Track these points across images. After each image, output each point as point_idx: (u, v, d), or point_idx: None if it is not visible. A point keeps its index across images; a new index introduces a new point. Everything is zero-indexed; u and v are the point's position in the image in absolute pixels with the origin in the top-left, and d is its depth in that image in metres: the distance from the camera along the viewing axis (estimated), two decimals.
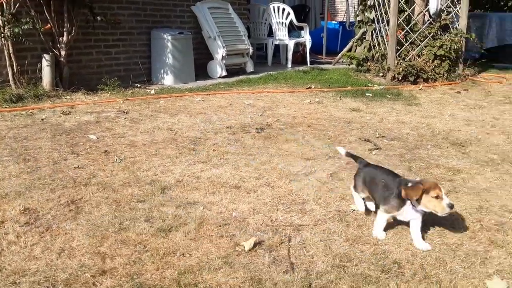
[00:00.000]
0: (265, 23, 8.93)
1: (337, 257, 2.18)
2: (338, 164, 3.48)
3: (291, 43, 8.53)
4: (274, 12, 8.64)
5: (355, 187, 2.62)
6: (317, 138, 4.18)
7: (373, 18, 7.84)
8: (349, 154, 2.78)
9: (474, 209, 2.76)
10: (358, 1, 9.34)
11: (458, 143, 4.16)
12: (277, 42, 8.75)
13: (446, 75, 7.37)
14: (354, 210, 2.69)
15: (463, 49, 7.74)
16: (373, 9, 7.81)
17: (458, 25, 7.65)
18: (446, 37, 7.44)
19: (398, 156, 3.75)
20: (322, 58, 10.02)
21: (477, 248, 2.32)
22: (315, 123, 4.72)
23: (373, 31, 7.91)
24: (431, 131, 4.57)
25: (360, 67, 7.97)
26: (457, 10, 7.65)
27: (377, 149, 3.90)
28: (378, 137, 4.29)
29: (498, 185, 3.18)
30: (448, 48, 7.25)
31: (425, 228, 2.48)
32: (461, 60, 7.79)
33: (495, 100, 6.35)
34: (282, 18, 8.62)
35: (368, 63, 7.84)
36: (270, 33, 8.93)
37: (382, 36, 7.70)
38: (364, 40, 8.13)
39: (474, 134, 4.51)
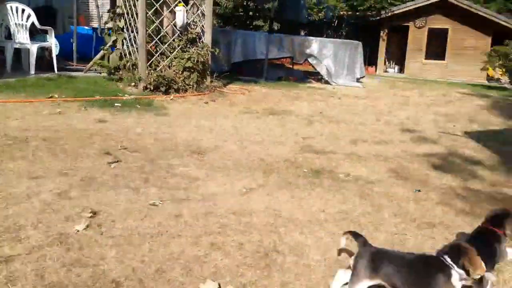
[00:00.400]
0: (1, 24, 7.86)
1: (48, 286, 1.96)
2: (71, 181, 3.22)
3: (33, 47, 7.71)
4: (12, 12, 7.69)
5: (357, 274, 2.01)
6: (52, 153, 3.81)
7: (123, 26, 7.74)
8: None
9: (202, 215, 2.89)
10: None
11: (198, 152, 4.37)
12: (17, 46, 7.79)
13: (195, 86, 7.78)
14: (78, 231, 2.50)
15: (210, 62, 8.30)
16: (122, 17, 7.70)
17: (204, 39, 8.18)
18: (193, 50, 7.86)
19: (139, 168, 3.70)
20: (72, 65, 9.39)
21: (198, 253, 2.41)
22: (52, 136, 4.31)
23: (124, 40, 7.81)
24: (175, 141, 4.70)
25: (112, 75, 7.76)
26: (202, 25, 8.18)
27: (117, 162, 3.78)
28: (120, 149, 4.17)
29: (226, 189, 3.43)
30: (195, 61, 7.66)
31: (144, 239, 2.47)
32: (208, 72, 8.33)
33: (237, 110, 6.99)
34: (22, 20, 7.74)
35: (120, 72, 7.69)
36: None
37: (133, 45, 7.66)
38: (115, 48, 7.94)
39: (214, 142, 4.82)
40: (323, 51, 11.90)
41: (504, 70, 15.43)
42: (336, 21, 20.91)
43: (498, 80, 19.11)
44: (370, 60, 21.83)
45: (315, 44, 11.85)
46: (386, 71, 22.20)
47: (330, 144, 5.17)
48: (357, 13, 20.02)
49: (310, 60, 12.04)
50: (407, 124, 6.89)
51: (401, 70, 22.21)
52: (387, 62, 22.72)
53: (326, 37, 21.06)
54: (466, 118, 7.85)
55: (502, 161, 4.93)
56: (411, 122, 7.12)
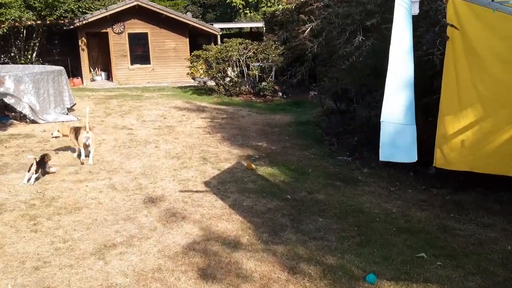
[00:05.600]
0: None
1: None
2: None
3: None
4: None
5: None
6: None
7: None
8: None
9: None
10: None
11: None
12: None
13: None
14: None
15: None
16: None
17: None
18: None
19: None
20: None
21: None
22: None
23: None
24: None
25: None
26: None
27: None
28: None
29: None
30: None
31: None
32: None
33: None
34: None
35: None
36: None
37: None
38: None
39: None
40: (21, 87, 9.98)
41: (206, 74, 16.45)
42: (25, 32, 18.28)
43: (201, 77, 20.30)
44: (73, 70, 20.15)
45: (9, 81, 9.80)
46: (93, 80, 20.99)
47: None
48: (47, 23, 17.93)
49: (6, 100, 9.93)
50: (144, 183, 6.28)
51: (109, 76, 21.39)
52: (92, 70, 21.48)
53: (14, 51, 18.27)
54: (198, 156, 7.76)
55: (254, 227, 4.88)
56: (148, 177, 6.54)
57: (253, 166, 7.11)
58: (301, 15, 5.81)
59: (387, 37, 6.16)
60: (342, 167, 7.30)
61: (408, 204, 5.70)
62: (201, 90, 16.93)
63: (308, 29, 5.73)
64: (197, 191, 6.04)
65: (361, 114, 9.40)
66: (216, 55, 15.18)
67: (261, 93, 15.47)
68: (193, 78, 21.04)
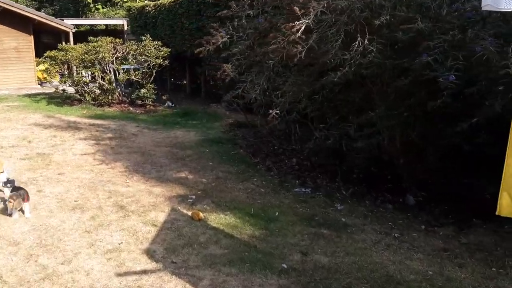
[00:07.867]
0: None
1: None
2: None
3: None
4: None
5: None
6: None
7: None
8: None
9: None
10: None
11: None
12: None
13: None
14: None
15: None
16: None
17: None
18: None
19: None
20: None
21: None
22: None
23: None
24: None
25: None
26: None
27: None
28: None
29: None
30: None
31: None
32: None
33: None
34: None
35: None
36: None
37: None
38: None
39: None
40: None
41: (65, 80, 13.30)
42: None
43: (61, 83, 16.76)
44: None
45: None
46: None
47: None
48: None
49: None
50: (50, 265, 3.84)
51: None
52: None
53: None
54: (109, 203, 5.42)
55: None
56: (50, 251, 4.08)
57: (201, 215, 5.12)
58: (294, 7, 4.07)
59: (397, 43, 4.84)
60: (310, 205, 5.74)
61: (435, 258, 4.39)
62: (57, 99, 13.73)
63: (303, 27, 4.04)
64: (144, 272, 3.86)
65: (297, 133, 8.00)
66: (82, 57, 12.30)
67: (140, 102, 13.07)
68: (40, 84, 17.37)
